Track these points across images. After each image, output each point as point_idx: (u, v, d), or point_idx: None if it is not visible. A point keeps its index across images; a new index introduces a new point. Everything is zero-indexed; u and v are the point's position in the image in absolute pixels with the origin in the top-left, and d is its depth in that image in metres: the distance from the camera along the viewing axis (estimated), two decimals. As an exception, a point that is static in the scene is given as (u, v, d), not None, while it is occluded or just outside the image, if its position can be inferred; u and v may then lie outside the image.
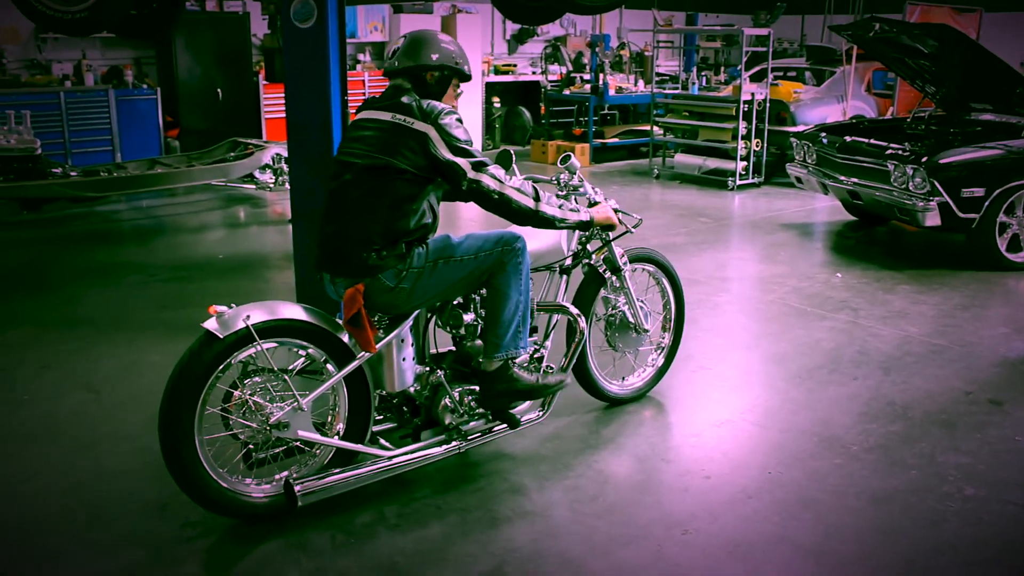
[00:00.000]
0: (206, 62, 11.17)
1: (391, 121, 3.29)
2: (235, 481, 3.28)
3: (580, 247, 4.10)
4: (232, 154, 9.65)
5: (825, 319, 5.83)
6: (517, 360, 3.61)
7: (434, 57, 3.41)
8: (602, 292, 4.20)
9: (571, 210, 3.58)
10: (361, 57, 12.72)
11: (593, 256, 4.12)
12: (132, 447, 3.97)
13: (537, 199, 3.41)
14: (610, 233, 3.97)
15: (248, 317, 3.11)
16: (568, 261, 4.05)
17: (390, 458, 3.47)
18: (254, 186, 9.53)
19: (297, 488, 3.22)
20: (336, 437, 3.43)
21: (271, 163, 9.39)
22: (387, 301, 3.37)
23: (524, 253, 3.51)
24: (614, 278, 4.20)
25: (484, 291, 3.59)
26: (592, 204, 3.85)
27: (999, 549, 3.27)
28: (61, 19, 5.53)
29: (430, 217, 3.40)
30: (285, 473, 3.38)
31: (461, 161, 3.27)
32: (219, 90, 11.21)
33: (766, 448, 4.05)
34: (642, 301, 4.36)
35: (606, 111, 13.34)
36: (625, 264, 4.20)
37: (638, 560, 3.16)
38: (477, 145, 3.45)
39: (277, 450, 3.31)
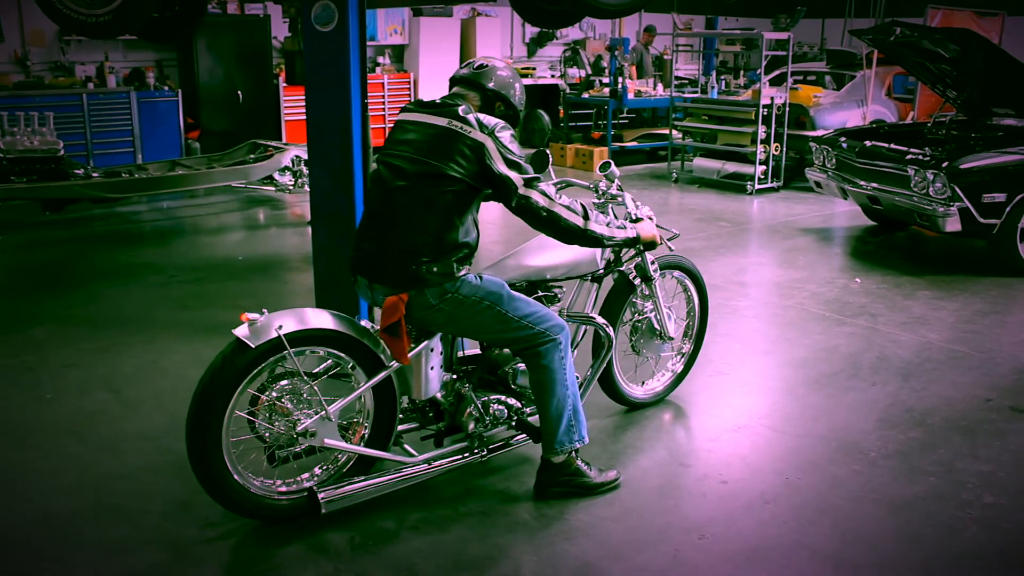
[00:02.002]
0: (227, 64, 11.26)
1: (446, 127, 3.24)
2: (260, 485, 3.31)
3: (613, 255, 4.08)
4: (252, 156, 9.70)
5: (844, 324, 5.81)
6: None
7: (494, 85, 3.42)
8: (631, 299, 4.18)
9: (618, 228, 3.51)
10: (381, 60, 12.79)
11: (625, 264, 4.11)
12: (154, 446, 4.01)
13: (586, 218, 3.35)
14: (648, 252, 3.94)
15: (280, 327, 3.12)
16: (601, 271, 4.02)
17: (413, 465, 3.47)
18: (273, 188, 9.58)
19: (321, 496, 3.23)
20: (361, 442, 3.45)
21: (291, 165, 9.43)
22: (424, 317, 3.32)
23: (566, 347, 3.48)
24: (644, 286, 4.18)
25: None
26: (635, 220, 3.81)
27: (1019, 558, 3.25)
28: (85, 22, 5.58)
29: (475, 232, 3.37)
30: (306, 476, 3.42)
31: (514, 176, 3.22)
32: (239, 92, 11.30)
33: (784, 453, 4.04)
34: (669, 308, 4.34)
35: (625, 115, 13.35)
36: (656, 272, 4.18)
37: (655, 564, 3.16)
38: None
39: (299, 448, 3.32)
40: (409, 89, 12.56)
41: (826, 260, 7.59)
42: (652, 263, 4.15)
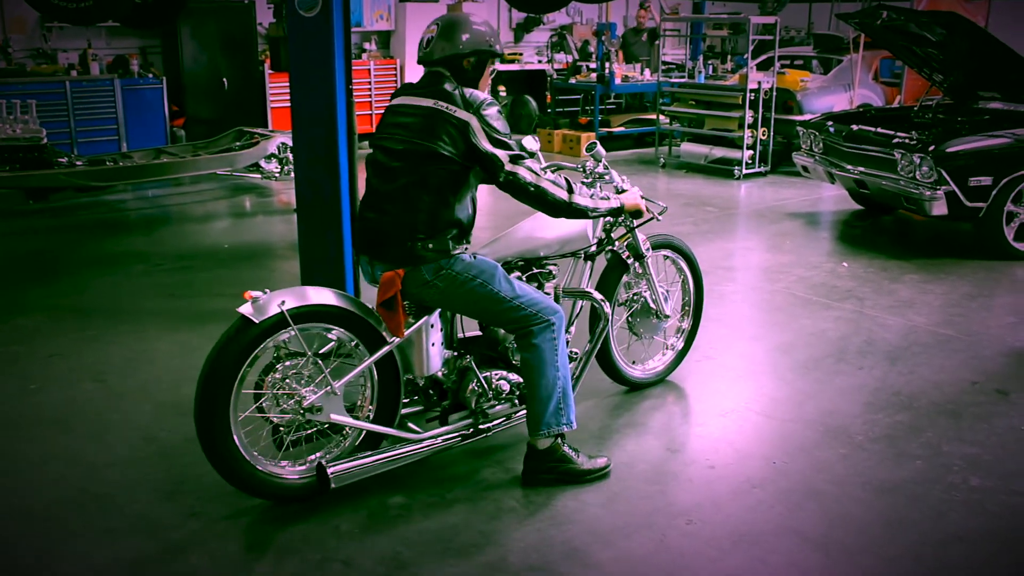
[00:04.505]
0: (212, 51, 11.17)
1: (433, 107, 3.31)
2: (269, 463, 3.35)
3: (604, 234, 4.13)
4: (238, 143, 9.64)
5: (831, 309, 5.82)
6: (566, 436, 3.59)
7: (466, 39, 3.41)
8: (624, 278, 4.24)
9: (601, 199, 3.59)
10: (367, 46, 12.70)
11: (616, 243, 4.16)
12: (140, 435, 3.99)
13: (570, 191, 3.43)
14: (635, 220, 3.99)
15: (283, 303, 3.18)
16: (593, 248, 4.08)
17: (419, 441, 3.52)
18: (259, 175, 9.52)
19: (330, 471, 3.26)
20: (367, 420, 3.49)
21: (276, 152, 9.38)
22: (419, 293, 3.40)
23: (560, 329, 3.52)
24: (637, 264, 4.23)
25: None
26: (620, 191, 3.88)
27: (1005, 540, 3.26)
28: (66, 8, 5.54)
29: (471, 210, 3.45)
30: (318, 455, 3.46)
31: (500, 153, 3.30)
32: (225, 79, 11.21)
33: (771, 438, 4.05)
34: (664, 287, 4.39)
35: (612, 100, 13.30)
36: (648, 251, 4.23)
37: (642, 550, 3.16)
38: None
39: (306, 432, 3.40)
40: (395, 75, 12.48)
41: (813, 244, 7.59)
42: (644, 243, 4.20)
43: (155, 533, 3.25)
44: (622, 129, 12.58)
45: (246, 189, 9.78)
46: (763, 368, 4.88)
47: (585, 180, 3.98)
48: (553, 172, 3.48)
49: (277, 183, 9.74)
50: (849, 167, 7.62)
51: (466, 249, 3.43)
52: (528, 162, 3.36)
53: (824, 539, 3.23)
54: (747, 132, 10.36)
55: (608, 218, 3.96)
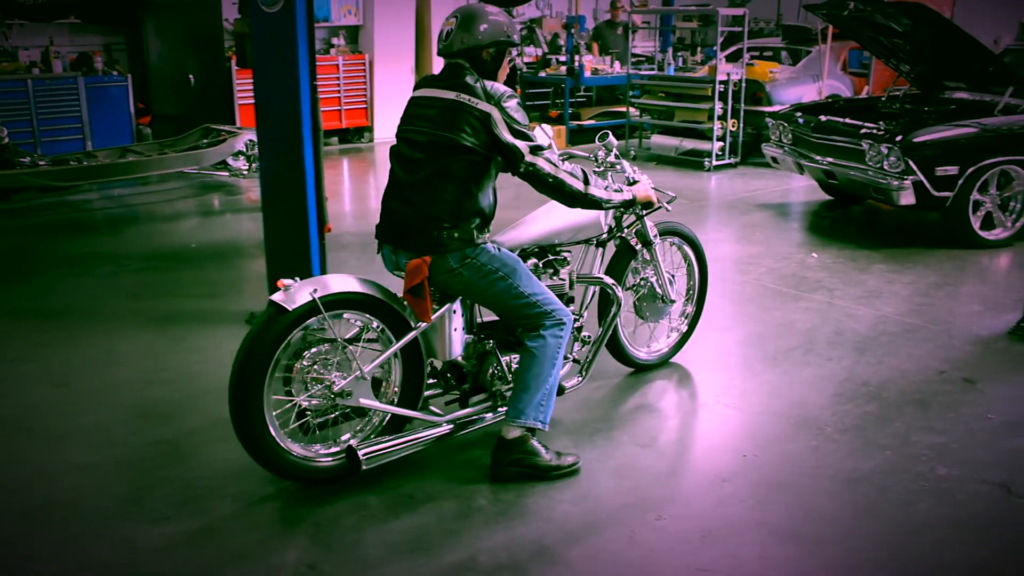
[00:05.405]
0: (178, 47, 10.99)
1: (455, 100, 3.38)
2: (301, 448, 3.45)
3: (615, 222, 4.26)
4: (205, 141, 9.53)
5: (800, 300, 5.84)
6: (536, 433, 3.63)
7: (484, 29, 3.46)
8: (632, 264, 4.37)
9: (615, 191, 3.71)
10: (336, 41, 12.59)
11: (626, 230, 4.28)
12: (105, 439, 3.93)
13: (586, 182, 3.53)
14: (645, 210, 4.11)
15: (315, 291, 3.28)
16: (604, 235, 4.20)
17: (443, 424, 3.63)
18: (227, 173, 9.43)
19: (361, 453, 3.36)
20: (391, 404, 3.60)
21: (244, 150, 9.28)
22: (444, 280, 3.49)
23: (567, 332, 3.62)
24: (645, 251, 4.35)
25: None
26: (631, 182, 4.01)
27: (973, 529, 3.28)
28: (24, 4, 5.43)
29: (492, 199, 3.55)
30: (346, 436, 3.59)
31: (520, 144, 3.39)
32: (191, 76, 11.06)
33: (741, 431, 4.06)
34: (669, 272, 4.52)
35: (582, 93, 13.27)
36: (656, 238, 4.37)
37: (612, 546, 3.15)
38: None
39: (332, 415, 3.51)
40: (364, 71, 12.37)
41: (783, 235, 7.62)
42: (652, 229, 4.34)
43: (121, 540, 3.19)
44: (592, 122, 12.56)
45: (214, 187, 9.67)
46: (733, 360, 4.88)
47: (597, 169, 4.13)
48: (565, 161, 3.58)
49: (245, 180, 9.64)
50: (818, 158, 7.65)
51: (489, 237, 3.55)
52: (547, 153, 3.46)
53: (794, 531, 3.24)
54: (717, 124, 10.37)
55: (626, 209, 4.09)
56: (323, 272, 5.13)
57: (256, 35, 5.00)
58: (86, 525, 3.28)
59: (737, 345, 5.09)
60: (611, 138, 4.23)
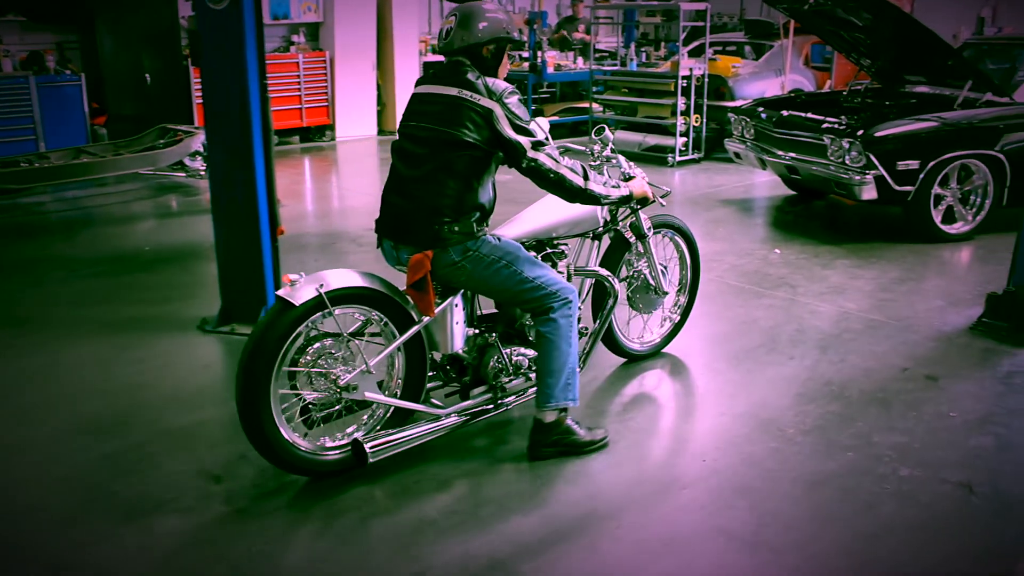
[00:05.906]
0: (133, 45, 10.77)
1: (457, 96, 3.42)
2: (308, 442, 3.48)
3: (610, 215, 4.31)
4: (161, 141, 9.34)
5: (763, 297, 5.79)
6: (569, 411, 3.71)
7: (483, 27, 3.50)
8: (626, 256, 4.41)
9: (613, 187, 3.74)
10: (295, 38, 12.40)
11: (621, 223, 4.35)
12: (43, 456, 3.78)
13: (586, 178, 3.58)
14: (640, 204, 4.12)
15: (322, 285, 3.30)
16: (600, 228, 4.25)
17: (446, 416, 3.67)
18: (184, 174, 9.25)
19: (367, 447, 3.40)
20: (394, 397, 3.63)
21: (202, 150, 9.09)
22: (447, 274, 3.53)
23: (575, 307, 3.67)
24: (638, 243, 4.40)
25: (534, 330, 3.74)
26: (627, 178, 4.07)
27: (936, 530, 3.23)
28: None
29: (492, 194, 3.60)
30: (350, 429, 3.61)
31: (523, 140, 3.43)
32: (147, 75, 10.84)
33: (701, 433, 3.99)
34: (662, 264, 4.55)
35: (546, 88, 13.19)
36: (649, 231, 4.41)
37: (568, 558, 3.06)
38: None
39: (335, 408, 3.51)
40: (325, 68, 12.19)
41: (746, 231, 7.58)
42: (646, 222, 4.39)
43: (52, 564, 3.06)
44: (556, 118, 12.48)
45: (171, 188, 9.47)
46: (695, 360, 4.82)
47: (593, 164, 4.16)
48: (561, 155, 3.60)
49: (203, 181, 9.42)
50: (780, 153, 7.62)
51: (489, 230, 3.58)
52: (548, 149, 3.51)
53: (753, 538, 3.17)
54: (680, 119, 10.33)
55: (623, 205, 4.08)
56: (276, 275, 5.02)
57: (204, 33, 4.87)
58: (9, 549, 3.13)
59: (699, 344, 5.02)
60: (607, 132, 4.26)
